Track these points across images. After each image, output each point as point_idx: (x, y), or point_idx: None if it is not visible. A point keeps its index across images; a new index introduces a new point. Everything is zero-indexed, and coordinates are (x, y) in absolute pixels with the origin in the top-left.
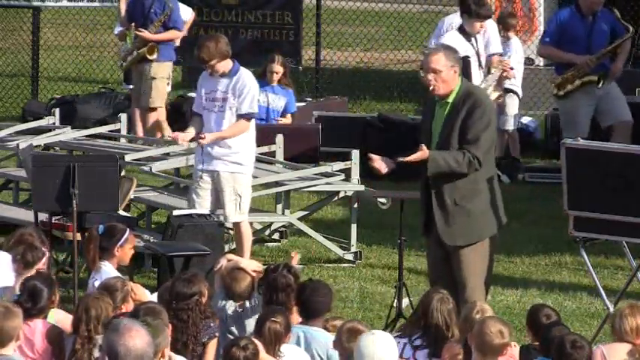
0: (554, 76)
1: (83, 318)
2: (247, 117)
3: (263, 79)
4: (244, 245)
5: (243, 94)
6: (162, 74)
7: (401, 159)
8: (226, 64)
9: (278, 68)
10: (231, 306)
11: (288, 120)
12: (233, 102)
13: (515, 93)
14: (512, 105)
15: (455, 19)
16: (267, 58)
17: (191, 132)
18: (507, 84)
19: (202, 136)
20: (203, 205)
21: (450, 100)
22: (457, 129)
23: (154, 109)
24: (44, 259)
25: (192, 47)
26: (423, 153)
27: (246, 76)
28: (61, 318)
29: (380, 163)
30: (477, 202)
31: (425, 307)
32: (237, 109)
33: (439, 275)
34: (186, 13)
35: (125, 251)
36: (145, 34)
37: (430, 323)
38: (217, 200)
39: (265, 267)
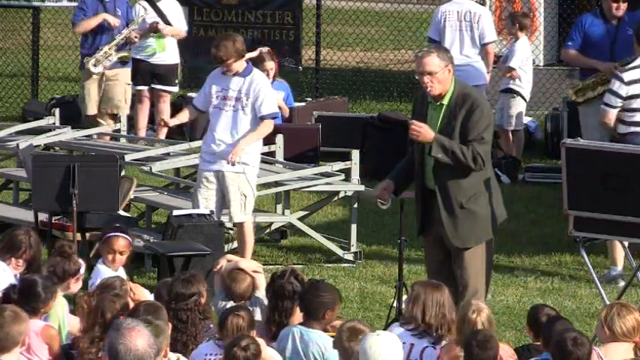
0: (576, 82)
1: (99, 320)
2: (270, 117)
3: None
4: (247, 245)
5: (261, 95)
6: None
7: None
8: (241, 64)
9: (271, 65)
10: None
11: (284, 107)
12: (246, 102)
13: (518, 94)
14: (516, 105)
15: (449, 6)
16: (257, 59)
17: (181, 118)
18: (511, 84)
19: (232, 159)
20: (208, 206)
21: (445, 101)
22: (457, 131)
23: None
24: (78, 275)
25: (193, 48)
26: (427, 132)
27: (259, 77)
28: (72, 323)
29: (381, 194)
30: (482, 203)
31: (422, 301)
32: (257, 111)
33: (439, 276)
34: (182, 25)
35: (103, 253)
36: (165, 28)
37: (426, 316)
38: (223, 200)
39: (272, 273)
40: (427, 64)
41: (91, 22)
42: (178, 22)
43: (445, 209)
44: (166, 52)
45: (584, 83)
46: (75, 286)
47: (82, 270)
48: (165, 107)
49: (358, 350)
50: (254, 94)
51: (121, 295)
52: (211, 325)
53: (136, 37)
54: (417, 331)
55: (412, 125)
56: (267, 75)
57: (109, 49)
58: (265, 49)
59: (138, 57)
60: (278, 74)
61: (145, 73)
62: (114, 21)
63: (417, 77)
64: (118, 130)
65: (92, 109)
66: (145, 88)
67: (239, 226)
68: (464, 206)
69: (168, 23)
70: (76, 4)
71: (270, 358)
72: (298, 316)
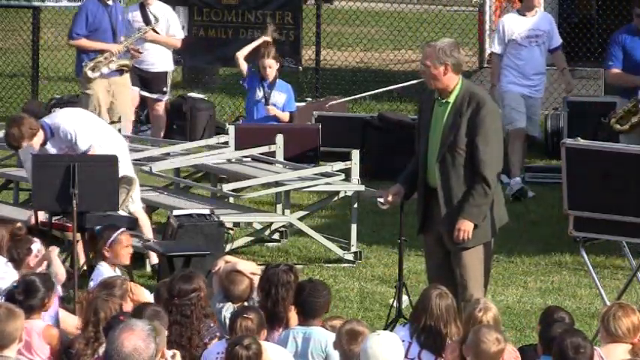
0: (612, 112)
1: (92, 319)
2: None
3: (260, 76)
4: (144, 227)
5: (72, 138)
6: None
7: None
8: (40, 136)
9: (270, 62)
10: (229, 307)
11: (284, 115)
12: (73, 150)
13: None
14: None
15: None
16: (260, 54)
17: None
18: None
19: None
20: None
21: (451, 99)
22: (463, 131)
23: None
24: (35, 253)
25: (192, 48)
26: (461, 225)
27: (58, 123)
28: (63, 317)
29: (393, 200)
30: None
31: (424, 303)
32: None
33: (439, 276)
34: (177, 32)
35: (116, 251)
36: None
37: (428, 319)
38: None
39: (265, 266)
40: (426, 55)
41: (91, 46)
42: (169, 29)
43: (446, 207)
44: (155, 59)
45: (624, 109)
46: (34, 262)
47: (36, 247)
48: (154, 114)
49: (358, 352)
50: (65, 139)
51: (116, 294)
52: (212, 324)
53: (140, 52)
54: (418, 333)
55: (459, 234)
56: (265, 72)
57: (111, 55)
58: (272, 29)
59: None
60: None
61: (134, 77)
62: (117, 48)
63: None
64: (119, 131)
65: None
66: (135, 89)
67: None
68: None
69: (155, 31)
70: (76, 3)
71: (272, 358)
72: (294, 317)
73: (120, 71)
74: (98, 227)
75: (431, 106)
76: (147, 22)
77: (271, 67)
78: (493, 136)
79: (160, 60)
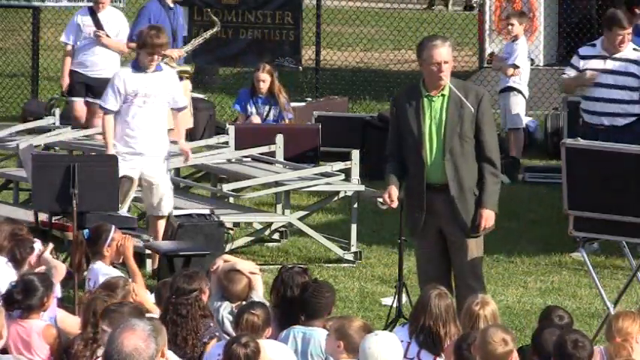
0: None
1: (91, 320)
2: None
3: (252, 90)
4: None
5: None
6: None
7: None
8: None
9: (264, 76)
10: (227, 307)
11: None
12: (175, 102)
13: (520, 92)
14: (518, 103)
15: None
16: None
17: None
18: (511, 82)
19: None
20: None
21: (446, 92)
22: (469, 120)
23: None
24: (38, 252)
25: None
26: (487, 215)
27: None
28: (62, 317)
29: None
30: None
31: (423, 303)
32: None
33: (430, 278)
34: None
35: (114, 249)
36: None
37: (428, 318)
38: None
39: (280, 268)
40: (445, 53)
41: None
42: (118, 34)
43: (459, 198)
44: (106, 65)
45: None
46: (36, 260)
47: (37, 246)
48: (99, 122)
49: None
50: (174, 89)
51: (118, 295)
52: (211, 324)
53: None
54: (417, 333)
55: (485, 222)
56: (259, 85)
57: (171, 60)
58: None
59: (72, 68)
60: (279, 90)
61: (80, 85)
62: (177, 54)
63: (433, 68)
64: None
65: None
66: (79, 99)
67: (165, 217)
68: (475, 193)
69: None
70: (76, 4)
71: (270, 356)
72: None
73: (179, 78)
74: (85, 230)
75: (417, 104)
76: (98, 26)
77: (264, 81)
78: (493, 125)
79: (109, 66)
